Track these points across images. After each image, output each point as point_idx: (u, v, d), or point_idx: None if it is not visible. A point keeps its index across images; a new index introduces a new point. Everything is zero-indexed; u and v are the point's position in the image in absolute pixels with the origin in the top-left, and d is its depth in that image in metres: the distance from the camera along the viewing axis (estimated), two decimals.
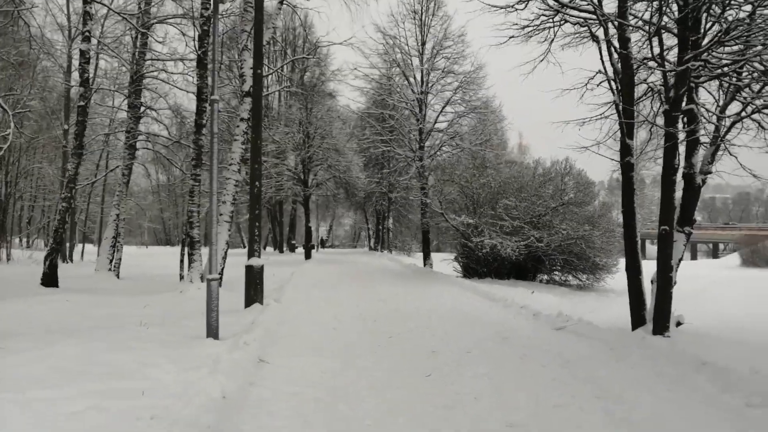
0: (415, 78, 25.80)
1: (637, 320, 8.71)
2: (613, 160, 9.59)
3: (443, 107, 25.66)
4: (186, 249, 14.61)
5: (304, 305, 12.24)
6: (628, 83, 8.46)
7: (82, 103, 14.06)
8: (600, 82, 9.31)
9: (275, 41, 21.68)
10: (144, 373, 5.77)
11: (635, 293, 8.84)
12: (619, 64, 8.54)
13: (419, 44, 25.63)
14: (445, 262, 23.01)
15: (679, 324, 8.34)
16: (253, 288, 11.10)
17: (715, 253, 76.56)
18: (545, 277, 20.51)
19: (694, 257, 73.56)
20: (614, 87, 8.88)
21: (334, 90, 41.94)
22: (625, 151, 8.72)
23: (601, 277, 19.21)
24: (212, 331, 7.72)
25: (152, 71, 17.71)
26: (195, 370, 5.90)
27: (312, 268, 24.69)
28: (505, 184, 19.79)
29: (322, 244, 68.23)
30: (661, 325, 8.00)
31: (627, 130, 8.56)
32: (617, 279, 19.85)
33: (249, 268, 11.14)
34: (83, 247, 29.75)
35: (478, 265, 19.77)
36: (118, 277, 17.67)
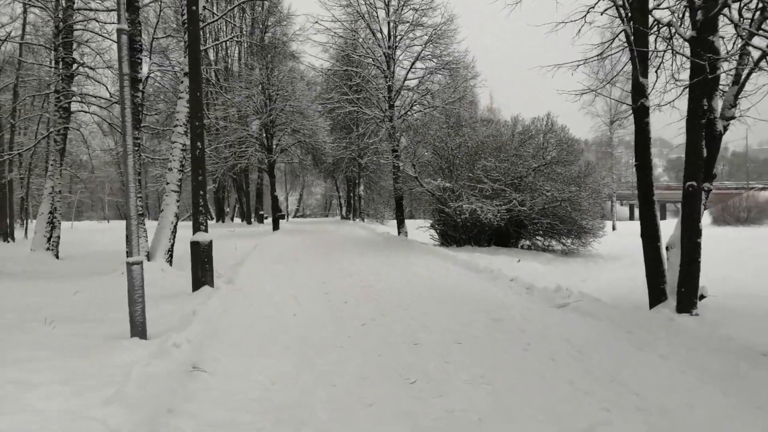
0: (381, 32, 23.84)
1: (656, 295, 7.38)
2: (624, 103, 8.09)
3: (413, 63, 23.84)
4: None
5: (261, 285, 10.65)
6: (641, 3, 6.92)
7: None
8: (605, 10, 7.75)
9: None
10: (18, 401, 4.15)
11: (653, 263, 7.48)
12: None
13: None
14: (420, 230, 21.58)
15: (702, 297, 7.04)
16: (201, 268, 9.45)
17: None
18: (527, 243, 19.24)
19: (663, 217, 74.30)
20: (623, 14, 7.35)
21: (297, 50, 39.65)
22: (639, 91, 7.24)
23: (587, 241, 18.01)
24: (137, 329, 6.10)
25: (80, 20, 15.45)
26: (92, 392, 4.31)
27: (278, 240, 23.01)
28: (482, 144, 18.28)
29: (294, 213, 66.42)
30: (687, 301, 6.68)
31: (640, 65, 7.06)
32: (603, 243, 18.76)
33: (194, 245, 9.47)
34: (26, 224, 27.29)
35: (456, 232, 18.39)
36: (57, 257, 15.76)
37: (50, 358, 5.19)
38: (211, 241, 9.58)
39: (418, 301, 8.90)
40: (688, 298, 6.71)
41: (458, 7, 24.50)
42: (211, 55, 45.59)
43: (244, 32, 39.53)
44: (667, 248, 7.64)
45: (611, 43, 8.27)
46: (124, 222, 21.72)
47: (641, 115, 7.28)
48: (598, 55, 8.57)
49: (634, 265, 15.87)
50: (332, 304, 8.77)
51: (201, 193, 9.47)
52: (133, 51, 12.29)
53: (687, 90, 7.43)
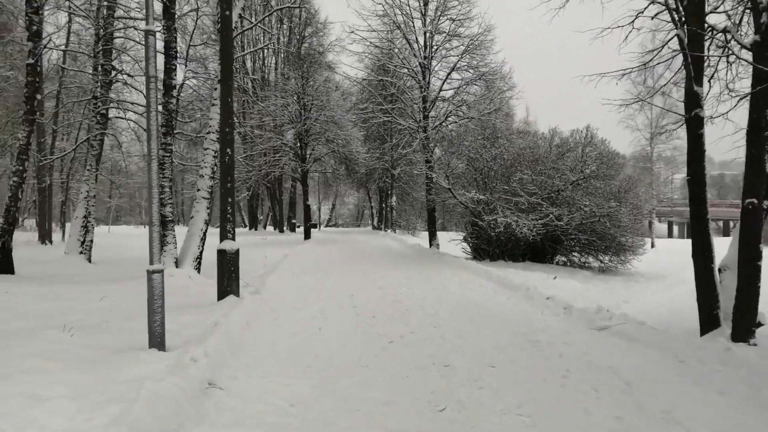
0: (417, 42, 23.58)
1: (708, 321, 6.81)
2: (676, 113, 7.56)
3: (449, 73, 23.45)
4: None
5: (288, 296, 10.38)
6: (697, 5, 6.42)
7: (31, 61, 12.07)
8: (656, 14, 7.26)
9: None
10: (23, 416, 3.92)
11: (705, 286, 6.90)
12: None
13: (421, 4, 23.34)
14: (453, 243, 21.08)
15: (759, 325, 6.44)
16: (227, 277, 9.23)
17: (726, 231, 74.59)
18: (563, 259, 18.57)
19: None
20: (676, 18, 6.85)
21: (333, 61, 39.78)
22: (693, 100, 6.72)
23: (627, 259, 17.27)
24: (155, 340, 5.86)
25: (120, 28, 15.62)
26: (99, 410, 4.05)
27: (308, 250, 22.83)
28: (518, 155, 17.76)
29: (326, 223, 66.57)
30: (744, 329, 6.11)
31: (695, 72, 6.55)
32: (643, 261, 17.96)
33: (221, 254, 9.26)
34: (64, 227, 27.76)
35: (490, 246, 17.86)
36: (89, 261, 15.85)
37: (63, 369, 4.97)
38: (238, 250, 9.36)
39: (449, 319, 8.49)
40: (746, 325, 6.14)
41: (496, 13, 24.02)
42: (249, 65, 46.23)
43: (281, 42, 39.90)
44: (720, 270, 7.06)
45: (660, 50, 7.75)
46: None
47: (695, 125, 6.76)
48: (645, 64, 8.05)
49: (678, 285, 15.12)
50: (360, 319, 8.43)
51: (229, 200, 9.28)
52: (169, 57, 12.28)
53: (744, 101, 6.89)
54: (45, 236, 23.32)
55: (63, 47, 21.14)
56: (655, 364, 5.89)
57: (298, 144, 30.54)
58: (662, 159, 52.03)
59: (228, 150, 9.21)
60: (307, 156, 30.42)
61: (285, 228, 44.91)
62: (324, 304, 9.77)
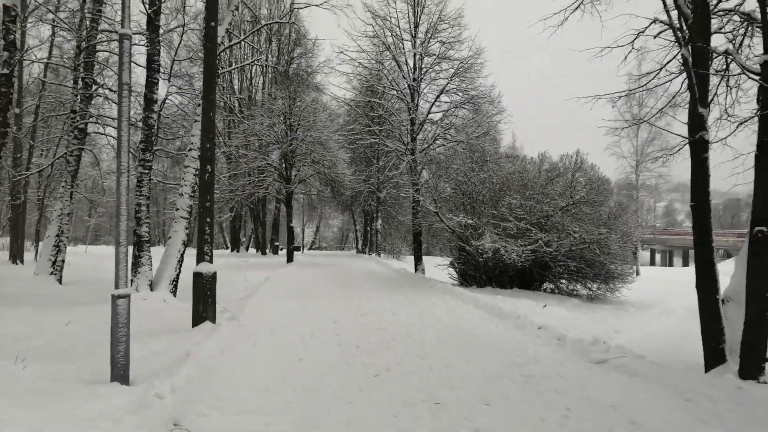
0: (407, 64, 23.48)
1: (713, 356, 6.44)
2: (679, 136, 7.30)
3: (438, 96, 23.31)
4: (134, 250, 12.16)
5: (268, 323, 9.86)
6: (702, 24, 6.19)
7: (6, 71, 11.57)
8: (659, 33, 7.05)
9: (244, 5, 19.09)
10: None
11: (710, 320, 6.55)
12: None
13: (412, 26, 23.31)
14: (439, 268, 20.67)
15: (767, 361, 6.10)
16: (203, 302, 8.71)
17: None
18: (550, 286, 18.25)
19: (686, 264, 72.18)
20: (680, 36, 6.62)
21: (321, 82, 39.65)
22: (697, 123, 6.46)
23: (616, 287, 16.98)
24: (117, 372, 5.33)
25: (103, 40, 15.20)
26: None
27: (291, 273, 22.27)
28: (507, 180, 17.52)
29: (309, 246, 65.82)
30: (753, 366, 5.75)
31: (700, 93, 6.30)
32: (634, 290, 17.70)
33: (197, 277, 8.75)
34: (37, 246, 26.77)
35: (477, 272, 17.50)
36: (60, 282, 15.16)
37: (10, 406, 4.43)
38: (215, 273, 8.86)
39: (437, 348, 8.04)
40: (754, 362, 5.79)
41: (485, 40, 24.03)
42: (236, 85, 45.98)
43: (270, 60, 39.76)
44: (723, 301, 6.73)
45: (660, 71, 7.53)
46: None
47: (700, 148, 6.49)
48: (643, 86, 7.82)
49: (667, 315, 14.83)
50: (343, 349, 7.95)
51: (208, 220, 8.81)
52: (151, 71, 11.89)
53: (743, 126, 6.64)
54: (16, 255, 22.48)
55: (45, 60, 20.65)
56: (660, 402, 5.49)
57: (283, 165, 30.13)
58: (645, 187, 52.42)
59: (208, 167, 8.77)
60: (292, 177, 30.00)
61: (268, 250, 44.21)
62: (305, 330, 9.27)
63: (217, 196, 34.37)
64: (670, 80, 7.72)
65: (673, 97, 7.80)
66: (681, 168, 54.81)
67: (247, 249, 54.32)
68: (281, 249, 44.52)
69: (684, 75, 7.43)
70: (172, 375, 5.31)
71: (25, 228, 23.56)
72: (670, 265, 68.75)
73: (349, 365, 6.94)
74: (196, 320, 8.67)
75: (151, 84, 11.84)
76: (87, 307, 11.08)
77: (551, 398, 5.62)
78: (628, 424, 4.89)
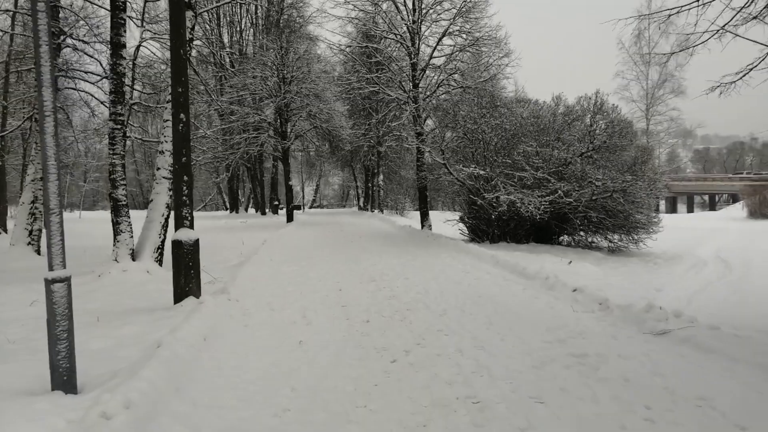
0: (405, 5, 21.59)
1: None
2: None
3: (440, 39, 21.52)
4: (111, 216, 10.85)
5: (264, 293, 8.64)
6: None
7: None
8: None
9: None
10: None
11: None
12: None
13: None
14: (448, 224, 19.37)
15: None
16: (185, 274, 7.46)
17: (712, 205, 73.86)
18: (567, 239, 16.97)
19: (690, 209, 70.93)
20: None
21: (314, 33, 37.55)
22: None
23: (640, 237, 15.70)
24: (60, 379, 4.09)
25: None
26: None
27: (290, 233, 21.05)
28: (521, 125, 16.02)
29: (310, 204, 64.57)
30: None
31: None
32: (660, 240, 16.41)
33: (177, 246, 7.47)
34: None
35: (490, 227, 16.22)
36: (38, 253, 13.92)
37: None
38: (197, 240, 7.57)
39: (461, 321, 6.82)
40: None
41: None
42: (225, 38, 43.73)
43: (261, 10, 37.54)
44: None
45: None
46: (139, 212, 19.98)
47: None
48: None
49: (703, 267, 13.61)
50: (350, 324, 6.73)
51: (185, 178, 7.46)
52: (115, 9, 10.30)
53: None
54: None
55: (12, 9, 18.80)
56: (756, 390, 4.26)
57: (278, 120, 28.52)
58: (650, 134, 50.69)
59: (182, 115, 7.36)
60: (288, 132, 28.43)
61: (267, 210, 42.97)
62: (307, 302, 8.07)
63: (210, 155, 32.89)
64: None
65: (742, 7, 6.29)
66: (695, 107, 52.76)
67: (246, 209, 53.12)
68: (281, 208, 43.26)
69: None
70: (130, 380, 4.07)
71: (6, 195, 22.17)
72: (674, 211, 67.64)
73: (359, 348, 5.72)
74: (178, 296, 7.44)
75: (117, 25, 10.27)
76: None
77: (621, 390, 4.40)
78: (735, 428, 3.67)
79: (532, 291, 8.82)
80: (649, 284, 10.48)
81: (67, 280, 4.13)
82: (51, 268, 4.10)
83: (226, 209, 53.23)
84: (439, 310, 7.49)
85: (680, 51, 7.11)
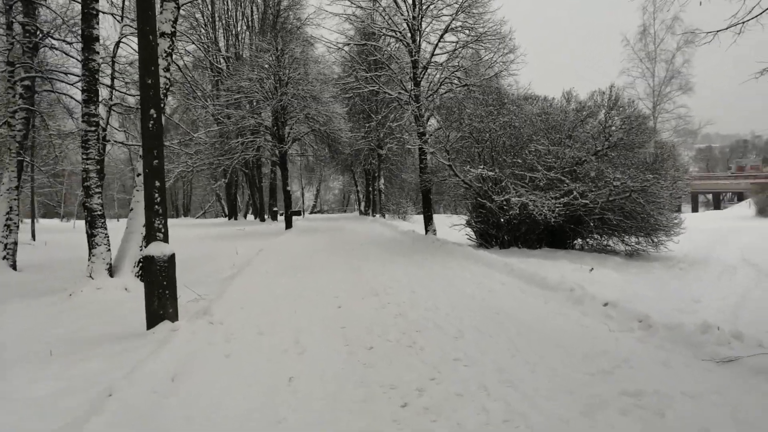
0: (405, 1, 20.62)
1: None
2: None
3: (441, 35, 20.55)
4: (86, 227, 9.85)
5: (253, 313, 7.61)
6: None
7: None
8: None
9: None
10: None
11: None
12: None
13: None
14: (453, 228, 18.36)
15: None
16: (158, 296, 6.45)
17: (716, 204, 72.67)
18: (580, 242, 15.94)
19: (695, 209, 69.65)
20: None
21: (312, 36, 36.59)
22: None
23: (660, 240, 14.67)
24: None
25: None
26: None
27: (289, 241, 20.04)
28: (531, 123, 15.03)
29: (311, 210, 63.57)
30: None
31: None
32: (681, 243, 15.37)
33: (147, 263, 6.46)
34: (32, 224, 24.00)
35: (499, 231, 15.21)
36: (14, 268, 12.90)
37: None
38: (173, 255, 6.56)
39: (481, 345, 5.80)
40: None
41: None
42: (221, 42, 42.84)
43: (256, 12, 36.66)
44: None
45: None
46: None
47: None
48: None
49: (731, 272, 12.58)
50: (351, 352, 5.71)
51: (157, 184, 6.45)
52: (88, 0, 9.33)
53: None
54: None
55: None
56: None
57: (275, 124, 27.54)
58: (659, 133, 49.49)
59: (152, 111, 6.36)
60: (286, 136, 27.44)
61: (266, 216, 42.01)
62: (301, 322, 7.04)
63: (206, 160, 31.91)
64: None
65: None
66: (701, 104, 51.73)
67: (245, 216, 52.18)
68: (280, 214, 42.28)
69: None
70: None
71: None
72: (678, 210, 66.50)
73: (361, 386, 4.71)
74: (151, 321, 6.43)
75: (89, 17, 9.30)
76: (29, 301, 8.90)
77: None
78: None
79: (555, 305, 7.81)
80: (681, 293, 9.46)
81: None
82: None
83: (225, 216, 52.30)
84: (452, 331, 6.46)
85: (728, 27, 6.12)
